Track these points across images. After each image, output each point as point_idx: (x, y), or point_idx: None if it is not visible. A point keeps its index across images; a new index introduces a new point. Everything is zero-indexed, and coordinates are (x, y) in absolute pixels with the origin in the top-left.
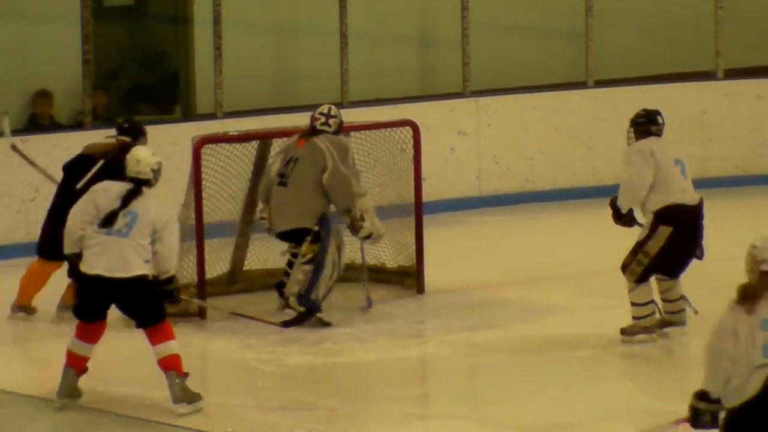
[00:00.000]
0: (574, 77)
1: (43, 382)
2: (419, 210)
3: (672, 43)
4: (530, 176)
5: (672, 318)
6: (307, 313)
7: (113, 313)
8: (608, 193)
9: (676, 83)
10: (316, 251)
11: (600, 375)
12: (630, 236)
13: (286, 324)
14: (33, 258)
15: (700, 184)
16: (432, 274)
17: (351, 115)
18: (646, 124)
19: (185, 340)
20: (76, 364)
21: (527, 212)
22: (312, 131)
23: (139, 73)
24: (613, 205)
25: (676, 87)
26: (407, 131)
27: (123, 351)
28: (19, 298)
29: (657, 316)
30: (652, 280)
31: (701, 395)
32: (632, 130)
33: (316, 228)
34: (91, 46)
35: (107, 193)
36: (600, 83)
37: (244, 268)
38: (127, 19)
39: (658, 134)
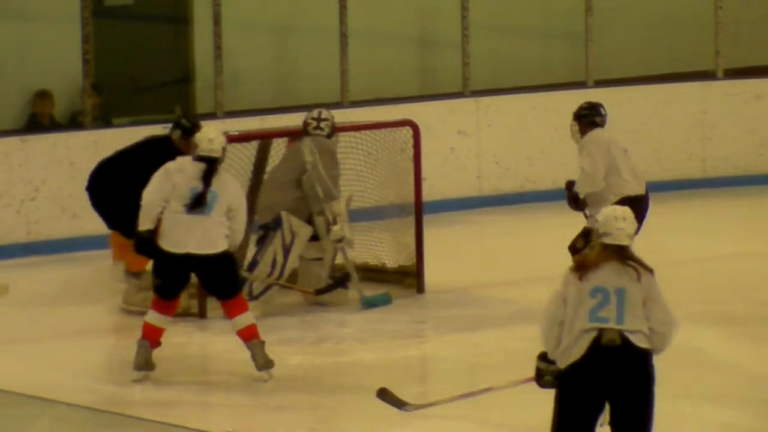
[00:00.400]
0: (574, 77)
1: (44, 382)
2: (419, 210)
3: (672, 42)
4: (530, 176)
5: None
6: (340, 281)
7: (114, 315)
8: None
9: (676, 83)
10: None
11: None
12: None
13: (319, 292)
14: (33, 258)
15: (700, 183)
16: (432, 274)
17: (351, 115)
18: (591, 116)
19: (185, 341)
20: (152, 337)
21: (527, 212)
22: (304, 134)
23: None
24: (570, 190)
25: (676, 87)
26: (407, 131)
27: (123, 351)
28: (131, 266)
29: None
30: None
31: (542, 356)
32: (576, 123)
33: (268, 225)
34: (91, 46)
35: (182, 172)
36: (600, 83)
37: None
38: (127, 19)
39: (603, 125)
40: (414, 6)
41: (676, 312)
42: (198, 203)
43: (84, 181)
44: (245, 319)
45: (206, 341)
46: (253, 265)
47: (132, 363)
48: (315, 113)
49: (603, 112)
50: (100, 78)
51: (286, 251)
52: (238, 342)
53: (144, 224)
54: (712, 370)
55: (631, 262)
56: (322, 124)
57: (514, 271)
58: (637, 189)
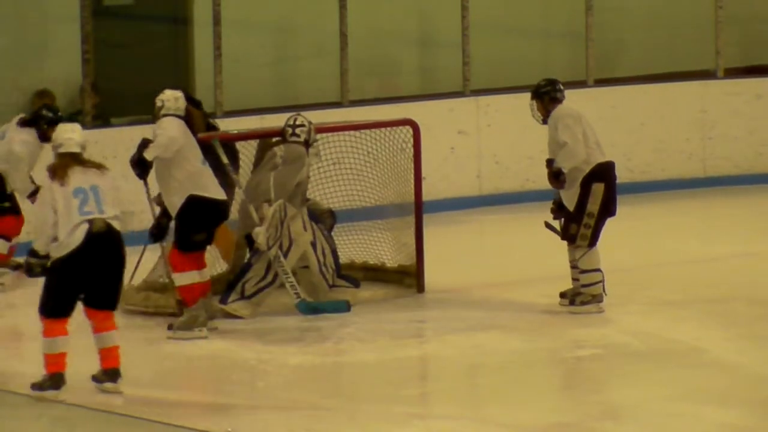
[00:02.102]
0: (574, 77)
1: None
2: (419, 209)
3: (672, 42)
4: (530, 176)
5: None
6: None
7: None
8: None
9: (676, 83)
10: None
11: (600, 375)
12: (629, 236)
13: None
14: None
15: (700, 183)
16: (432, 274)
17: (351, 115)
18: (553, 92)
19: (185, 341)
20: (204, 293)
21: (527, 212)
22: (283, 140)
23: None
24: (551, 165)
25: (676, 87)
26: (407, 130)
27: (124, 351)
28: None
29: (600, 290)
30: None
31: (32, 252)
32: (537, 101)
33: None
34: (91, 46)
35: None
36: (600, 83)
37: None
38: (127, 19)
39: (563, 100)
40: (414, 6)
41: (677, 312)
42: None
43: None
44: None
45: (206, 341)
46: (248, 267)
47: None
48: (291, 119)
49: (560, 87)
50: (99, 78)
51: (282, 256)
52: (238, 342)
53: None
54: (712, 370)
55: (89, 163)
56: (297, 131)
57: (514, 271)
58: (603, 157)
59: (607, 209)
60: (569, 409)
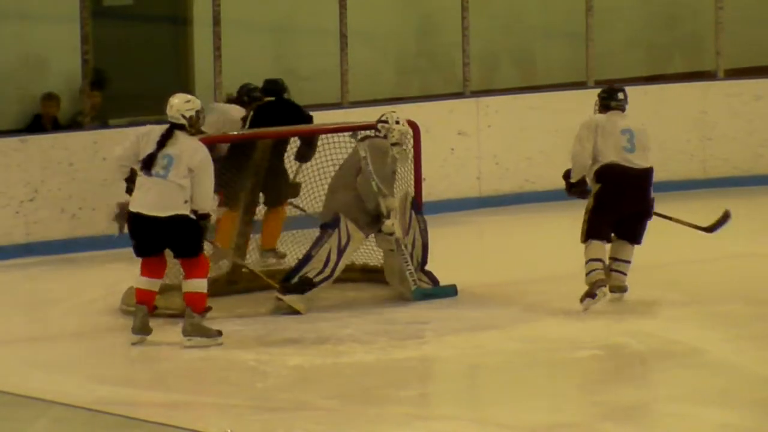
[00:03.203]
0: (574, 77)
1: (44, 382)
2: (419, 210)
3: (672, 42)
4: (530, 176)
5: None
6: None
7: (113, 315)
8: None
9: (676, 83)
10: (313, 242)
11: (599, 375)
12: None
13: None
14: (33, 258)
15: (700, 184)
16: None
17: (351, 115)
18: (607, 99)
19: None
20: (146, 301)
21: (527, 212)
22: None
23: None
24: (566, 177)
25: (676, 87)
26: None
27: (123, 352)
28: (265, 244)
29: (599, 275)
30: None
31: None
32: (597, 103)
33: (327, 224)
34: (91, 46)
35: (148, 136)
36: (600, 83)
37: (243, 270)
38: (127, 19)
39: (619, 108)
40: (414, 6)
41: (677, 312)
42: (146, 165)
43: (83, 181)
44: (196, 284)
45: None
46: (307, 259)
47: (131, 328)
48: (381, 115)
49: (620, 96)
50: (100, 78)
51: (340, 252)
52: (238, 342)
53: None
54: (712, 370)
55: None
56: (379, 125)
57: (514, 271)
58: (622, 162)
59: (603, 207)
60: (569, 409)
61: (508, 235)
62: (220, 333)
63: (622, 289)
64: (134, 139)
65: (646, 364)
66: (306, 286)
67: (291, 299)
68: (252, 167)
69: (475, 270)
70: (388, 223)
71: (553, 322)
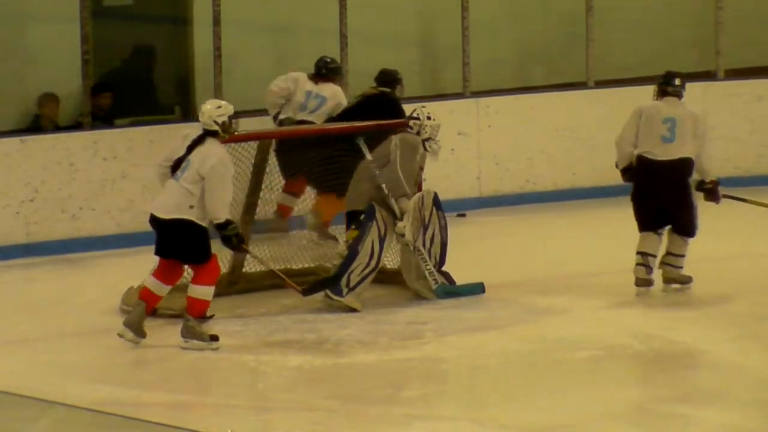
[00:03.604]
0: (574, 77)
1: (44, 383)
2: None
3: (672, 43)
4: (530, 177)
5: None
6: (326, 282)
7: (113, 315)
8: (609, 194)
9: None
10: (355, 237)
11: (600, 376)
12: (630, 237)
13: (306, 291)
14: (33, 258)
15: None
16: None
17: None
18: (663, 85)
19: (184, 342)
20: (148, 300)
21: (527, 213)
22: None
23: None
24: (617, 164)
25: None
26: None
27: (123, 352)
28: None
29: (638, 272)
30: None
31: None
32: (655, 89)
33: (361, 213)
34: (91, 46)
35: (185, 139)
36: (600, 83)
37: (244, 270)
38: (127, 19)
39: (675, 95)
40: (414, 6)
41: (677, 312)
42: (173, 168)
43: (83, 181)
44: (199, 290)
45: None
46: (354, 254)
47: (123, 319)
48: (412, 111)
49: (676, 82)
50: (102, 79)
51: (382, 241)
52: (238, 343)
53: None
54: (712, 370)
55: None
56: (411, 122)
57: (514, 271)
58: (655, 151)
59: (638, 197)
60: (570, 410)
61: (508, 236)
62: (215, 338)
63: (672, 281)
64: (175, 143)
65: (647, 365)
66: (355, 284)
67: (348, 299)
68: (257, 167)
69: (474, 271)
70: (400, 225)
71: (553, 322)
